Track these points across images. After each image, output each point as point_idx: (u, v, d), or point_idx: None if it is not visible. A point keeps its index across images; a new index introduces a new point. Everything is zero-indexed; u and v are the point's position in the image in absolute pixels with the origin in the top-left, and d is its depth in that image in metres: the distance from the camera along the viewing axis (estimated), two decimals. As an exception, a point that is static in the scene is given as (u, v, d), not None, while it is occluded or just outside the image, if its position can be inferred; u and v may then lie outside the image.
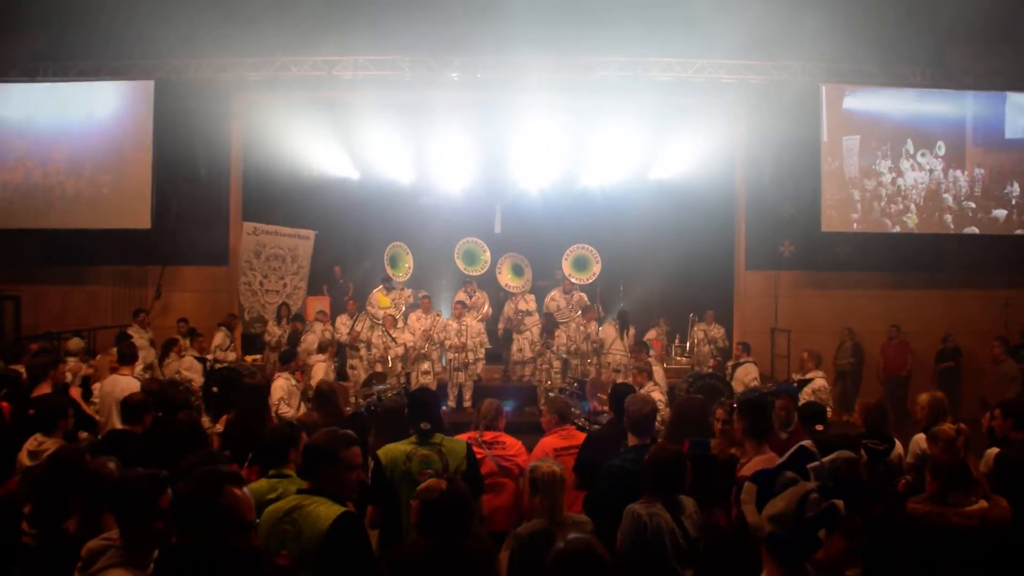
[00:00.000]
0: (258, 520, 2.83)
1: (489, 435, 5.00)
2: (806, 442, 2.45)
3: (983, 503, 3.84)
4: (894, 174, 12.65)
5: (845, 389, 12.34)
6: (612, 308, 13.03)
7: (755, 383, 9.93)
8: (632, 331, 11.41)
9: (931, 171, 12.68)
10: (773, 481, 2.34)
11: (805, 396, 8.11)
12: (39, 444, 4.81)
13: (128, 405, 5.19)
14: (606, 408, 6.32)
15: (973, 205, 12.69)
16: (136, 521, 2.90)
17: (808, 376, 8.80)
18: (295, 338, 11.62)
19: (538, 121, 12.74)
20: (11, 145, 12.79)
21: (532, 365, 11.68)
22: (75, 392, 7.12)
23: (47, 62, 12.67)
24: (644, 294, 13.54)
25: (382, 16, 11.95)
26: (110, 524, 3.45)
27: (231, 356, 11.63)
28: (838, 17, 11.39)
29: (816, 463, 2.35)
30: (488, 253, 12.56)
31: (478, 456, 4.63)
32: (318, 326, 11.69)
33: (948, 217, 12.71)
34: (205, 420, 7.20)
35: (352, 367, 11.65)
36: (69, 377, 8.12)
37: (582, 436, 5.18)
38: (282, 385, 7.85)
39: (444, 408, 9.30)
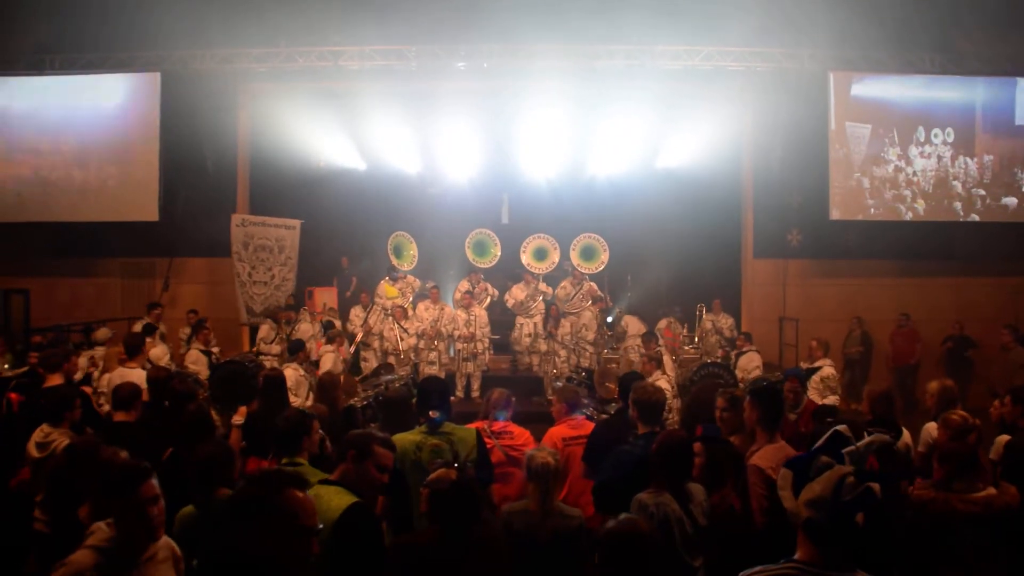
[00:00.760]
0: (321, 526, 2.72)
1: (498, 425, 5.02)
2: (841, 427, 2.46)
3: (991, 490, 3.83)
4: (903, 161, 12.58)
5: (854, 377, 12.31)
6: (620, 298, 13.02)
7: (758, 372, 9.92)
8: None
9: (940, 158, 12.60)
10: (809, 467, 2.36)
11: (813, 384, 8.08)
12: (46, 435, 4.84)
13: (118, 395, 5.20)
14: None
15: (982, 192, 12.61)
16: (116, 511, 2.90)
17: (816, 364, 8.77)
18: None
19: (545, 110, 12.72)
20: (18, 138, 12.85)
21: (538, 355, 11.68)
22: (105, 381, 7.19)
23: (54, 54, 12.71)
24: (651, 283, 13.50)
25: (388, 5, 11.95)
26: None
27: (276, 349, 11.00)
28: (846, 3, 11.30)
29: (851, 447, 2.37)
30: (499, 247, 12.58)
31: (487, 446, 4.64)
32: (306, 315, 11.63)
33: (957, 204, 12.63)
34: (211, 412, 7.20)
35: (365, 359, 11.66)
36: (83, 368, 8.16)
37: (591, 426, 5.19)
38: (290, 375, 7.86)
39: (452, 398, 9.31)
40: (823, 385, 8.24)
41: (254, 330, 13.25)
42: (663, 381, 7.95)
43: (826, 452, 2.37)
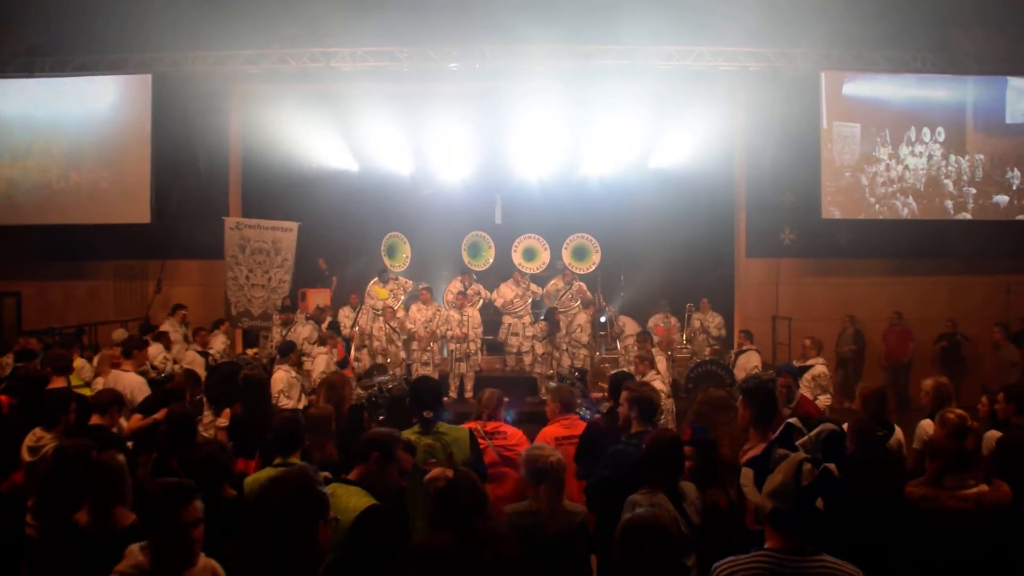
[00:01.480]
0: (339, 518, 2.75)
1: (491, 425, 5.02)
2: (792, 419, 2.60)
3: (982, 487, 3.83)
4: (894, 160, 12.62)
5: (846, 376, 12.35)
6: (613, 298, 13.02)
7: (756, 371, 9.93)
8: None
9: (931, 157, 12.64)
10: (767, 461, 2.47)
11: (805, 383, 8.10)
12: (37, 440, 4.82)
13: (96, 399, 5.24)
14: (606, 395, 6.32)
15: (974, 191, 12.66)
16: (159, 533, 2.77)
17: (809, 363, 8.79)
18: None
19: (537, 110, 12.69)
20: (9, 140, 12.78)
21: (531, 355, 11.69)
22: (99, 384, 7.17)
23: (44, 56, 12.64)
24: (644, 283, 13.50)
25: (380, 7, 11.92)
26: (121, 517, 3.47)
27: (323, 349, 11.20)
28: (838, 3, 11.33)
29: (804, 438, 2.49)
30: (493, 250, 12.57)
31: (480, 447, 4.64)
32: (301, 317, 11.62)
33: (949, 203, 12.68)
34: (208, 414, 7.18)
35: (357, 359, 11.65)
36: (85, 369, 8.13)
37: (583, 425, 5.19)
38: (282, 377, 7.81)
39: (445, 399, 9.30)
40: (814, 384, 8.27)
41: (247, 332, 13.24)
42: (657, 382, 7.95)
43: (782, 444, 2.49)
